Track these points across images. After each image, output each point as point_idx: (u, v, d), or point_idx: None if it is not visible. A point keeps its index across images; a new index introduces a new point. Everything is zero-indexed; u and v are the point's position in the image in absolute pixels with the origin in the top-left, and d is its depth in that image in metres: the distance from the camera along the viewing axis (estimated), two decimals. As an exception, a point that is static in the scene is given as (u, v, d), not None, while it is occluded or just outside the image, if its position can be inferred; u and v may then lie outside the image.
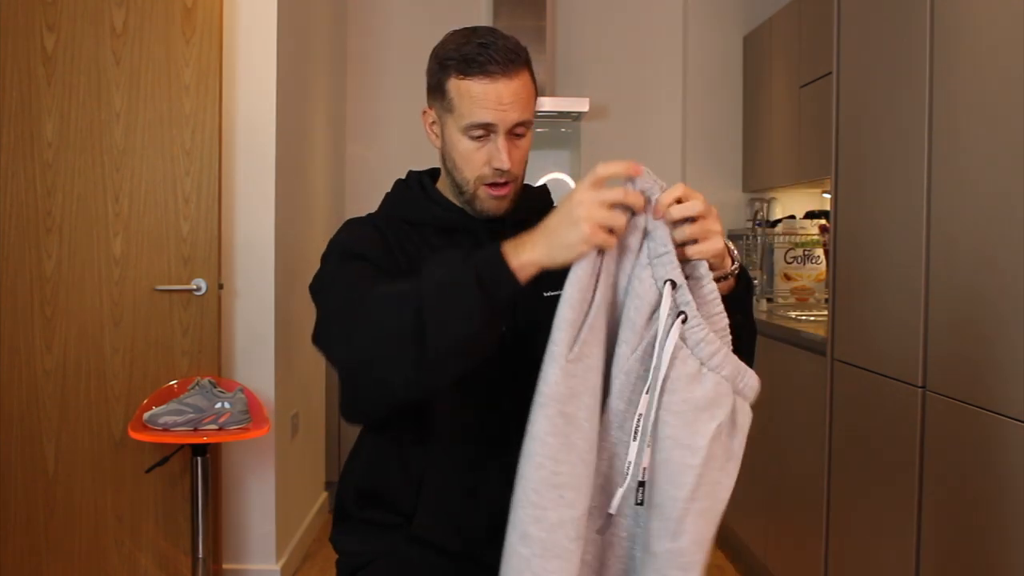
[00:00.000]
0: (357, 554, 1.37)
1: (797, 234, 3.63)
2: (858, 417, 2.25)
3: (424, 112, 1.36)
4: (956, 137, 1.80)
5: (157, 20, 2.70)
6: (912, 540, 1.93)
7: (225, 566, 2.91)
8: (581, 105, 3.90)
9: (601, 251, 1.04)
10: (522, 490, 1.02)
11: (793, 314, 3.24)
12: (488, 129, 1.26)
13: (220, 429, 2.49)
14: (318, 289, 1.29)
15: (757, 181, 4.12)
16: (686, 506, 1.01)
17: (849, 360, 2.31)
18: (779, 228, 3.69)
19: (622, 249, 1.06)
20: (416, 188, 1.40)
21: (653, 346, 1.03)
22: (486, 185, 1.30)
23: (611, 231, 1.02)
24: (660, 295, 1.03)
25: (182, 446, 2.59)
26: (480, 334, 1.06)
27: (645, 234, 1.06)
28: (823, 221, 3.62)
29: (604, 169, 1.05)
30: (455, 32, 1.31)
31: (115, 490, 2.73)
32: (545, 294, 1.33)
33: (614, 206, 1.03)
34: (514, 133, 1.28)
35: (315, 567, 3.21)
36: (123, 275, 2.72)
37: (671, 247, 1.05)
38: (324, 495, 3.76)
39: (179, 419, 2.46)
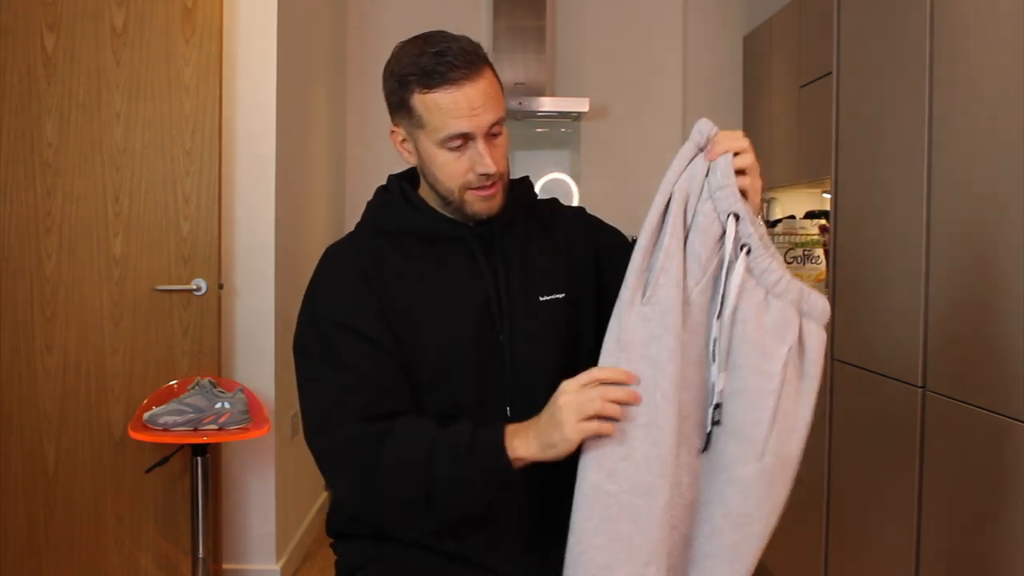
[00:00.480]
0: (356, 555, 1.37)
1: (797, 234, 3.63)
2: (858, 417, 2.25)
3: (391, 132, 1.32)
4: (956, 137, 1.80)
5: (157, 20, 2.70)
6: (912, 540, 1.93)
7: (225, 566, 2.91)
8: (581, 105, 3.90)
9: (669, 200, 1.11)
10: (606, 441, 1.09)
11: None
12: (466, 137, 1.23)
13: (220, 429, 2.49)
14: (305, 376, 1.27)
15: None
16: (768, 428, 1.07)
17: (849, 360, 2.31)
18: (779, 228, 3.69)
19: (688, 192, 1.11)
20: (399, 198, 1.36)
21: (716, 278, 1.09)
22: (472, 189, 1.27)
23: (605, 417, 1.10)
24: (724, 228, 1.08)
25: (182, 446, 2.59)
26: (485, 506, 1.20)
27: (707, 172, 1.10)
28: (823, 221, 3.62)
29: (601, 374, 1.12)
30: (404, 45, 1.27)
31: (115, 490, 2.72)
32: (541, 298, 1.33)
33: (603, 399, 1.10)
34: (490, 133, 1.25)
35: (315, 567, 3.21)
36: (123, 275, 2.72)
37: (733, 180, 1.09)
38: (324, 495, 3.76)
39: (179, 419, 2.46)
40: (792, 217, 3.80)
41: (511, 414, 1.29)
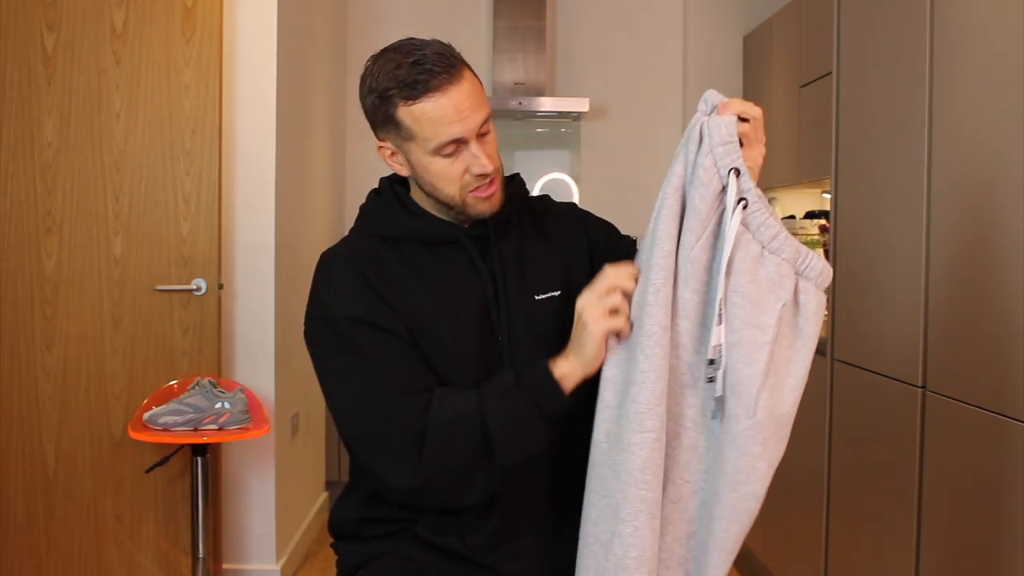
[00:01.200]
0: (357, 552, 1.37)
1: (797, 234, 3.63)
2: (858, 417, 2.25)
3: (379, 148, 1.30)
4: (956, 137, 1.80)
5: (157, 20, 2.70)
6: (912, 540, 1.93)
7: (225, 566, 2.91)
8: (581, 105, 3.90)
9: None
10: (607, 391, 1.15)
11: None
12: (458, 143, 1.22)
13: (220, 429, 2.49)
14: (330, 374, 1.25)
15: (757, 181, 4.11)
16: (761, 383, 1.08)
17: (849, 360, 2.31)
18: (779, 228, 3.68)
19: (686, 154, 1.13)
20: (393, 202, 1.35)
21: (716, 235, 1.10)
22: (472, 191, 1.26)
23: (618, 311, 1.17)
24: (724, 183, 1.09)
25: (182, 446, 2.59)
26: (543, 442, 1.21)
27: (702, 135, 1.11)
28: (823, 221, 3.62)
29: (614, 277, 1.19)
30: (377, 59, 1.24)
31: (115, 490, 2.73)
32: (537, 297, 1.33)
33: (613, 290, 1.18)
34: (480, 132, 1.24)
35: (315, 567, 3.21)
36: (123, 275, 2.72)
37: (735, 138, 1.10)
38: (324, 495, 3.76)
39: (179, 419, 2.46)
40: (792, 217, 3.81)
41: None
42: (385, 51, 1.24)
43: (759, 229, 1.10)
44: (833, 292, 2.42)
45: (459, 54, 1.25)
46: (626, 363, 1.14)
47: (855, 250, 2.30)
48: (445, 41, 1.26)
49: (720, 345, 1.08)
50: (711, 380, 1.10)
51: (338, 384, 1.25)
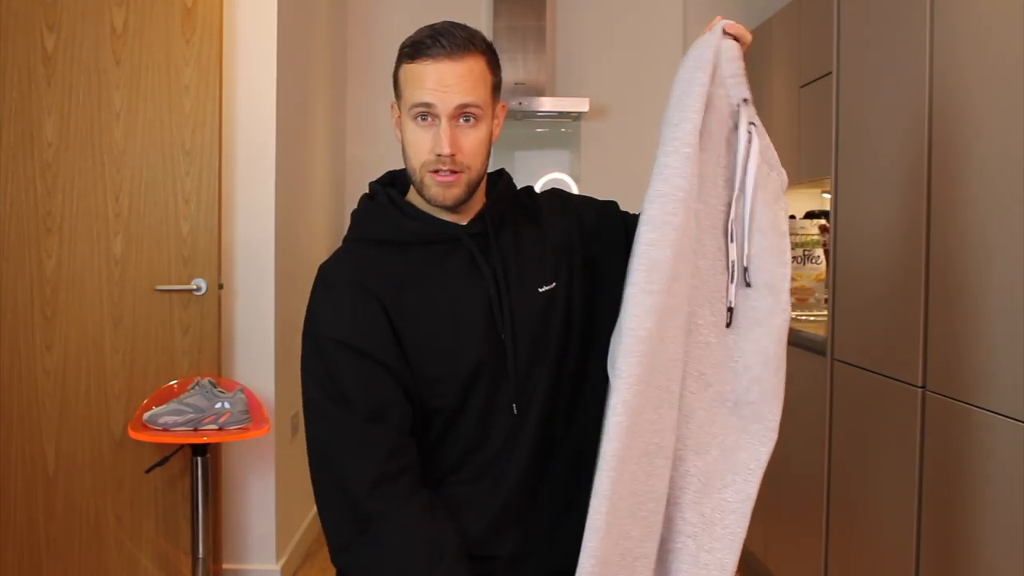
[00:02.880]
0: None
1: (797, 234, 3.63)
2: (858, 417, 2.25)
3: (392, 106, 1.34)
4: (956, 136, 1.80)
5: (157, 20, 2.70)
6: (912, 540, 1.93)
7: (225, 566, 2.91)
8: (581, 105, 3.90)
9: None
10: (659, 277, 1.18)
11: (793, 314, 3.24)
12: (430, 110, 1.23)
13: (220, 429, 2.49)
14: (309, 402, 1.28)
15: None
16: (789, 281, 1.24)
17: (849, 360, 2.31)
18: (779, 228, 3.68)
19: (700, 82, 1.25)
20: (387, 205, 1.35)
21: (728, 155, 1.25)
22: (431, 172, 1.26)
23: None
24: (736, 110, 1.25)
25: (182, 446, 2.60)
26: None
27: (715, 63, 1.26)
28: (823, 221, 3.62)
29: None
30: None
31: (115, 490, 2.73)
32: (540, 290, 1.33)
33: None
34: (461, 118, 1.25)
35: (315, 567, 3.21)
36: (123, 275, 2.72)
37: (742, 69, 1.26)
38: (324, 495, 3.75)
39: (179, 419, 2.46)
40: (792, 217, 3.81)
41: (516, 411, 1.30)
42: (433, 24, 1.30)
43: (765, 150, 1.25)
44: (833, 292, 2.42)
45: (489, 48, 1.29)
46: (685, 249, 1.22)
47: (855, 250, 2.30)
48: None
49: (735, 260, 1.23)
50: (748, 285, 1.24)
51: (312, 421, 1.28)
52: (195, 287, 2.73)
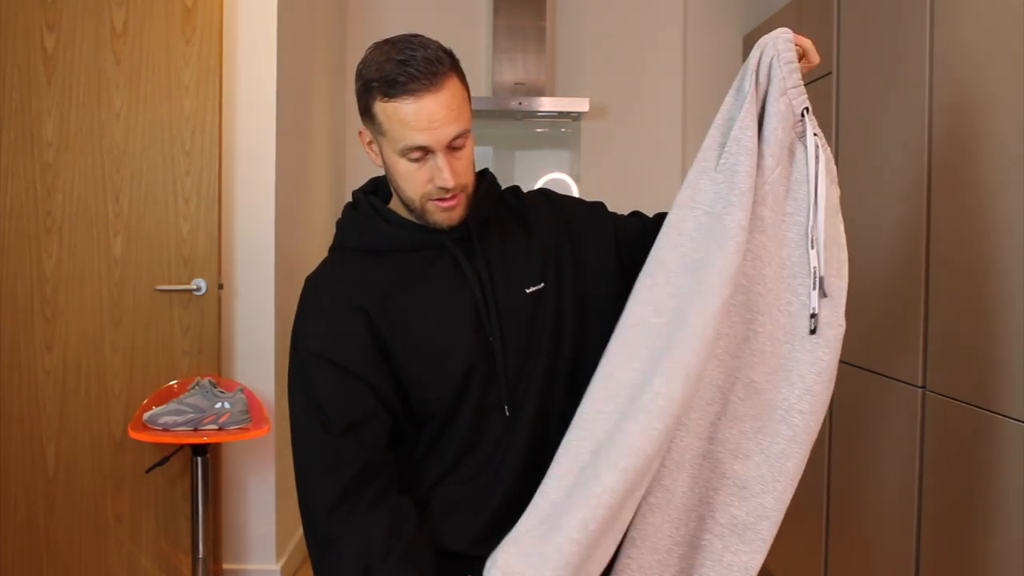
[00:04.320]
0: None
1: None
2: (858, 417, 2.25)
3: (360, 132, 1.30)
4: (956, 136, 1.80)
5: (157, 20, 2.70)
6: (912, 540, 1.93)
7: (225, 566, 2.91)
8: (581, 105, 3.90)
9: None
10: (662, 273, 1.23)
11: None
12: (424, 150, 1.22)
13: (220, 429, 2.49)
14: (291, 414, 1.30)
15: None
16: (844, 290, 1.27)
17: (850, 360, 2.31)
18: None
19: (758, 86, 1.27)
20: (371, 214, 1.34)
21: (791, 164, 1.26)
22: (433, 200, 1.26)
23: None
24: (801, 120, 1.26)
25: (182, 446, 2.60)
26: None
27: (769, 75, 1.26)
28: (823, 221, 3.61)
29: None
30: (376, 48, 1.25)
31: (115, 490, 2.72)
32: (527, 291, 1.33)
33: None
34: (452, 146, 1.23)
35: (315, 567, 3.21)
36: (123, 275, 2.72)
37: (801, 81, 1.27)
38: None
39: (179, 419, 2.46)
40: (792, 217, 3.80)
41: (509, 412, 1.30)
42: (385, 42, 1.25)
43: (829, 162, 1.26)
44: (833, 292, 2.42)
45: (454, 62, 1.24)
46: (683, 249, 1.24)
47: (855, 250, 2.29)
48: (447, 44, 1.26)
49: (816, 267, 1.25)
50: (824, 296, 1.26)
51: (292, 437, 1.30)
52: (195, 287, 2.73)
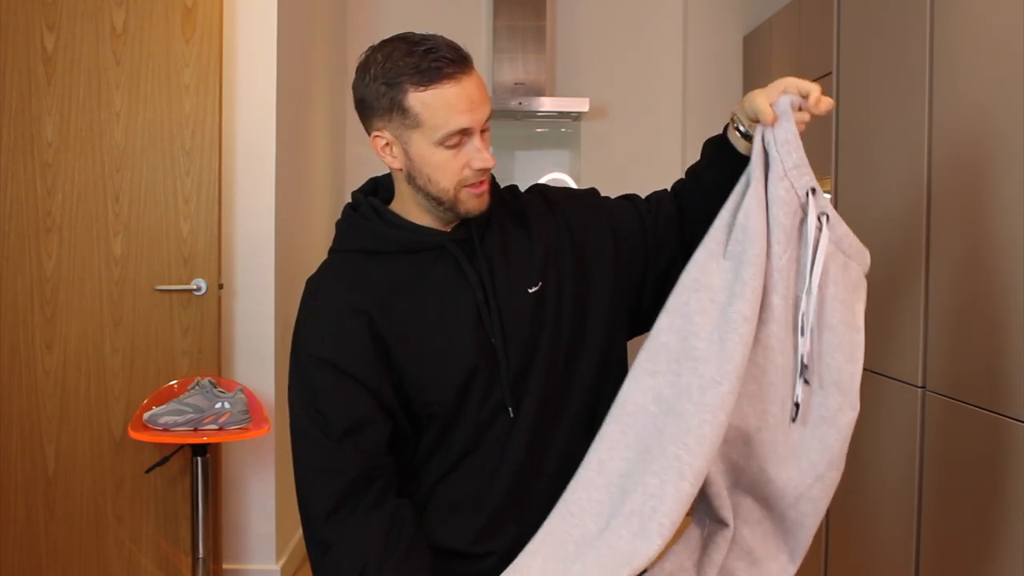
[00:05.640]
0: None
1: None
2: (858, 417, 2.25)
3: (373, 138, 1.28)
4: (956, 136, 1.80)
5: (157, 20, 2.70)
6: (912, 540, 1.93)
7: (225, 566, 2.91)
8: (581, 105, 3.90)
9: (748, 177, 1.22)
10: (664, 359, 1.19)
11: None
12: (464, 134, 1.22)
13: (220, 429, 2.49)
14: (292, 417, 1.30)
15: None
16: (857, 374, 1.22)
17: (849, 360, 2.31)
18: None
19: (765, 167, 1.21)
20: (371, 215, 1.33)
21: (801, 248, 1.21)
22: (468, 187, 1.26)
23: None
24: (805, 202, 1.20)
25: (182, 446, 2.60)
26: None
27: (767, 152, 1.21)
28: (823, 221, 3.62)
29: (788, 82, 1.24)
30: (381, 48, 1.24)
31: (115, 490, 2.72)
32: (529, 290, 1.33)
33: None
34: (484, 128, 1.25)
35: (315, 567, 3.21)
36: (123, 275, 2.72)
37: (804, 158, 1.20)
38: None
39: (179, 419, 2.46)
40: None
41: (513, 414, 1.30)
42: (390, 40, 1.24)
43: (841, 240, 1.21)
44: (833, 292, 2.42)
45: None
46: (685, 334, 1.19)
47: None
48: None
49: (802, 355, 1.20)
50: (807, 382, 1.22)
51: (292, 440, 1.31)
52: (195, 287, 2.73)
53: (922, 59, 1.92)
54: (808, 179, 1.20)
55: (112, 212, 2.71)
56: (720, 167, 1.34)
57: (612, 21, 4.27)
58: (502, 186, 1.43)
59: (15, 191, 2.68)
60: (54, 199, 2.70)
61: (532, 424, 1.30)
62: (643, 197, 1.46)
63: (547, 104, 3.88)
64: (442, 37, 1.24)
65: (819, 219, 1.20)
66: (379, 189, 1.40)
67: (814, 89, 1.21)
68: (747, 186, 1.21)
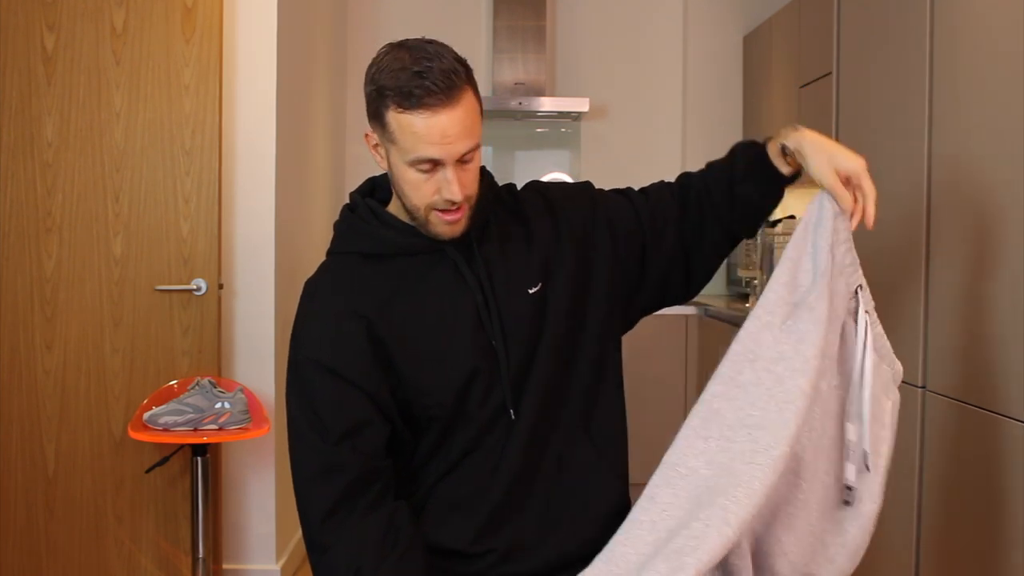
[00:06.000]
0: None
1: (797, 234, 3.62)
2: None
3: (366, 135, 1.29)
4: (956, 137, 1.80)
5: (157, 20, 2.70)
6: (912, 540, 1.93)
7: (225, 566, 2.91)
8: (581, 105, 3.90)
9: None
10: (716, 426, 1.21)
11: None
12: (435, 163, 1.21)
13: (220, 429, 2.49)
14: (288, 416, 1.30)
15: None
16: (885, 474, 1.28)
17: (849, 360, 2.31)
18: (779, 228, 3.69)
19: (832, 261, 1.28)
20: (369, 217, 1.33)
21: (842, 339, 1.29)
22: (438, 211, 1.25)
23: None
24: (856, 298, 1.29)
25: (182, 446, 2.60)
26: None
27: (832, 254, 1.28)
28: (823, 221, 3.61)
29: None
30: (390, 52, 1.22)
31: (115, 490, 2.72)
32: (529, 291, 1.33)
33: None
34: (462, 160, 1.22)
35: (315, 567, 3.21)
36: (123, 275, 2.72)
37: (855, 257, 1.29)
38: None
39: (179, 419, 2.46)
40: (792, 217, 3.80)
41: (515, 416, 1.30)
42: (401, 45, 1.22)
43: (877, 340, 1.31)
44: (833, 292, 2.42)
45: (469, 74, 1.23)
46: (740, 403, 1.23)
47: (855, 250, 2.30)
48: (447, 44, 1.25)
49: (856, 440, 1.28)
50: (868, 469, 1.28)
51: (289, 442, 1.31)
52: (195, 287, 2.73)
53: (922, 59, 1.92)
54: (858, 276, 1.29)
55: (112, 212, 2.71)
56: (758, 185, 1.35)
57: (612, 21, 4.27)
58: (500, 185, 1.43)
59: (15, 191, 2.68)
60: (54, 199, 2.70)
61: (532, 424, 1.30)
62: (640, 189, 1.45)
63: (547, 104, 3.88)
64: (448, 58, 1.20)
65: (867, 314, 1.29)
66: (376, 190, 1.39)
67: (870, 198, 1.27)
68: (816, 275, 1.26)
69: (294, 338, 1.30)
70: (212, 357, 2.74)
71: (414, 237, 1.31)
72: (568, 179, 4.21)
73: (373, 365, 1.27)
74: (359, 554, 1.22)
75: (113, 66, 2.70)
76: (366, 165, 4.49)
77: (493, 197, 1.38)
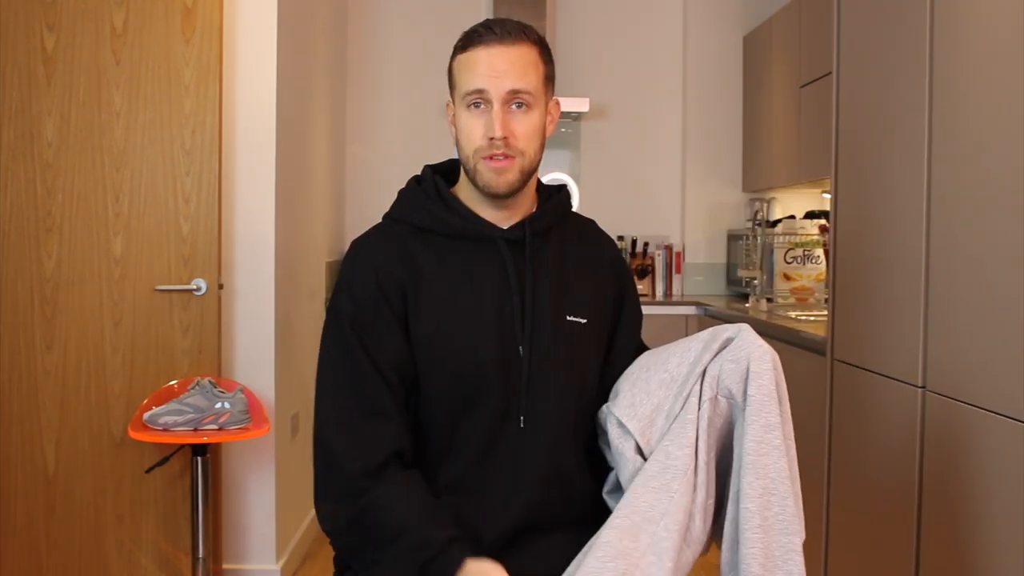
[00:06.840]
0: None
1: (797, 234, 3.63)
2: (858, 417, 2.25)
3: (447, 105, 1.36)
4: (956, 136, 1.80)
5: (157, 20, 2.70)
6: (912, 540, 1.93)
7: (225, 566, 2.91)
8: (581, 105, 3.91)
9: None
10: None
11: (793, 314, 3.24)
12: (482, 96, 1.25)
13: (220, 429, 2.49)
14: (319, 362, 1.30)
15: (757, 181, 4.12)
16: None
17: (849, 360, 2.31)
18: (779, 228, 3.69)
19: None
20: (433, 194, 1.35)
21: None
22: (484, 158, 1.27)
23: None
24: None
25: (182, 446, 2.59)
26: None
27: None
28: (823, 221, 3.63)
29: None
30: None
31: (115, 490, 2.72)
32: (569, 318, 1.33)
33: None
34: (513, 103, 1.26)
35: (315, 567, 3.21)
36: (123, 275, 2.72)
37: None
38: (324, 495, 3.75)
39: (179, 419, 2.46)
40: (792, 217, 3.81)
41: (523, 424, 1.29)
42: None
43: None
44: (833, 292, 2.42)
45: (541, 40, 1.33)
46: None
47: (855, 250, 2.30)
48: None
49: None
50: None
51: (320, 380, 1.30)
52: (195, 287, 2.73)
53: (922, 59, 1.92)
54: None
55: (112, 212, 2.71)
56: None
57: (612, 21, 4.27)
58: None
59: (15, 191, 2.68)
60: (54, 199, 2.70)
61: (546, 450, 1.31)
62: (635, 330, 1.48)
63: (547, 104, 3.87)
64: (516, 20, 1.31)
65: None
66: (452, 170, 1.41)
67: None
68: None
69: (334, 295, 1.32)
70: (212, 357, 2.73)
71: (470, 222, 1.32)
72: (568, 179, 4.22)
73: (400, 328, 1.28)
74: (417, 486, 1.25)
75: (113, 66, 2.70)
76: (366, 165, 4.51)
77: (563, 213, 1.40)
